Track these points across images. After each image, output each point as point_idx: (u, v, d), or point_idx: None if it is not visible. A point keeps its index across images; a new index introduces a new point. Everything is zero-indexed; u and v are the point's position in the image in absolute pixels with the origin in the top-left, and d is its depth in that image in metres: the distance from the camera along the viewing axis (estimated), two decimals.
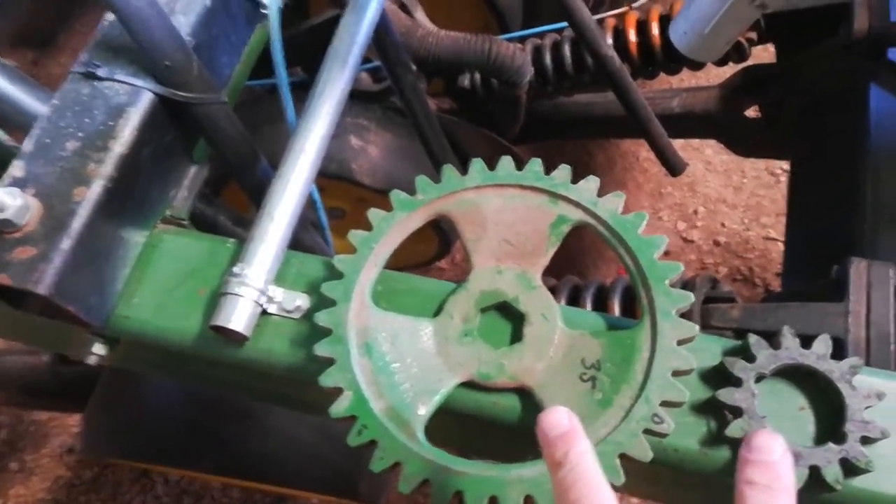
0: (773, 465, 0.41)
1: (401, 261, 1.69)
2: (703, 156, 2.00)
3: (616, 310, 0.96)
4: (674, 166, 1.22)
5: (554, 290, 1.03)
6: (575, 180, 0.62)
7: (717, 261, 1.88)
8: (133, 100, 0.66)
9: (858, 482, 0.53)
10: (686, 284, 0.97)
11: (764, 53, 1.32)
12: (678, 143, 2.01)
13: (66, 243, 0.59)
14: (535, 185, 0.62)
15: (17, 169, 0.63)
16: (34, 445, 1.82)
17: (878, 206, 0.96)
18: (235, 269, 0.62)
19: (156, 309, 0.66)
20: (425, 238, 1.55)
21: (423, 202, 0.64)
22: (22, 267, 0.58)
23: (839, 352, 0.81)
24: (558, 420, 0.44)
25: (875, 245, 0.94)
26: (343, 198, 1.44)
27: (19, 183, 0.62)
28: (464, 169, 0.65)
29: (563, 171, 0.63)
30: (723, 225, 1.92)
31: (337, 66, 0.73)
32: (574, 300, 1.01)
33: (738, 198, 1.95)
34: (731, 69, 1.30)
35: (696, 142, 1.97)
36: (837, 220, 1.02)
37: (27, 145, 0.65)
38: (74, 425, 1.83)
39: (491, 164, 0.64)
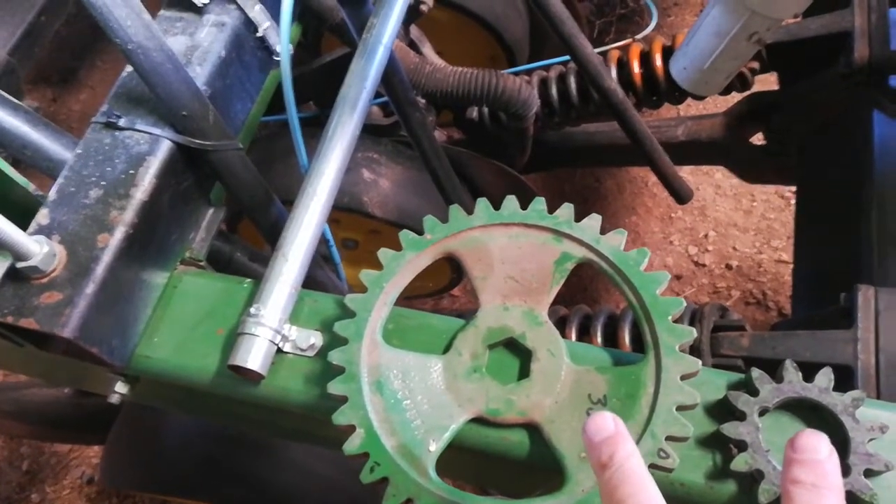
0: (820, 464, 0.40)
1: (416, 289, 1.71)
2: (713, 180, 2.01)
3: (626, 338, 0.97)
4: (680, 194, 1.23)
5: (565, 319, 1.04)
6: (585, 207, 0.64)
7: (730, 284, 1.87)
8: (152, 148, 0.69)
9: None
10: (695, 313, 0.98)
11: (771, 77, 1.33)
12: (688, 168, 2.00)
13: (90, 288, 0.62)
14: (538, 224, 0.64)
15: (42, 217, 0.66)
16: (55, 477, 1.85)
17: (884, 233, 0.97)
18: (252, 310, 0.64)
19: (175, 348, 0.68)
20: (440, 268, 1.57)
21: (431, 241, 0.66)
22: (48, 311, 0.60)
23: (848, 379, 0.82)
24: (604, 424, 0.44)
25: (882, 271, 0.94)
26: (356, 229, 1.47)
27: (45, 230, 0.65)
28: (474, 200, 0.67)
29: (566, 210, 0.64)
30: (734, 248, 1.92)
31: (347, 111, 0.76)
32: (584, 329, 1.02)
33: (748, 221, 1.95)
34: (736, 95, 1.31)
35: (705, 166, 1.97)
36: (844, 247, 1.02)
37: (52, 194, 0.68)
38: (94, 456, 1.85)
39: (501, 195, 0.66)
